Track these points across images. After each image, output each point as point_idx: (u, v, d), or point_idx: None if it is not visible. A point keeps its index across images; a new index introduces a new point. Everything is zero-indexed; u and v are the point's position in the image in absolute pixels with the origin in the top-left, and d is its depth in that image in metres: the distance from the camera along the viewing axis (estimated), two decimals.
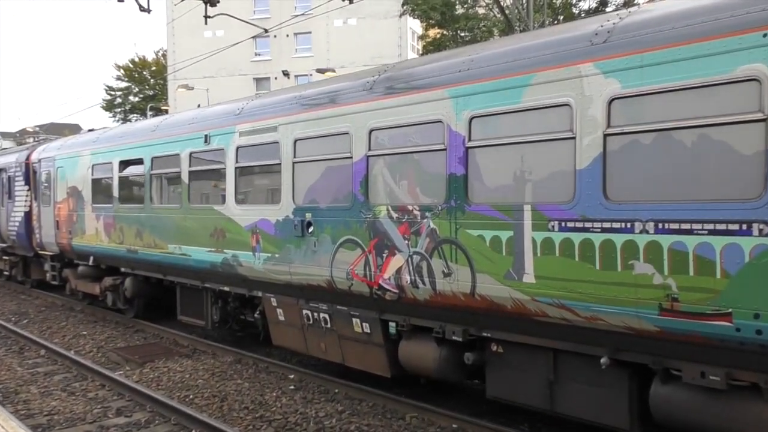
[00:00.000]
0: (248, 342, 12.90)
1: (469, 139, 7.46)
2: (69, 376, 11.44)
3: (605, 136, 6.27)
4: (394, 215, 8.32)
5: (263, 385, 10.44)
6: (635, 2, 23.75)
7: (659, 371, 6.31)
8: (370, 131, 8.65)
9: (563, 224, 6.59)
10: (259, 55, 53.09)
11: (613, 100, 6.22)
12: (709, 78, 5.58)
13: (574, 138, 6.50)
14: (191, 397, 9.94)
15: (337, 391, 10.02)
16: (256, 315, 11.54)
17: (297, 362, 11.63)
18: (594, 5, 32.93)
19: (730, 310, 5.48)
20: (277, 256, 10.09)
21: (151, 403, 9.56)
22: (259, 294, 11.00)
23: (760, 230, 5.30)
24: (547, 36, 7.26)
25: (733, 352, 5.65)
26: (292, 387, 10.34)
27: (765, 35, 5.26)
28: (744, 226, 5.38)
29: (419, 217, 7.99)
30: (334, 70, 34.58)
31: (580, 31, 6.77)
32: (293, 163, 9.86)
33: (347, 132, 8.97)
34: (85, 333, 15.02)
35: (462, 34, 34.77)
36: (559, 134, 6.65)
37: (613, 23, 6.48)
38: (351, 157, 8.91)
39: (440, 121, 7.75)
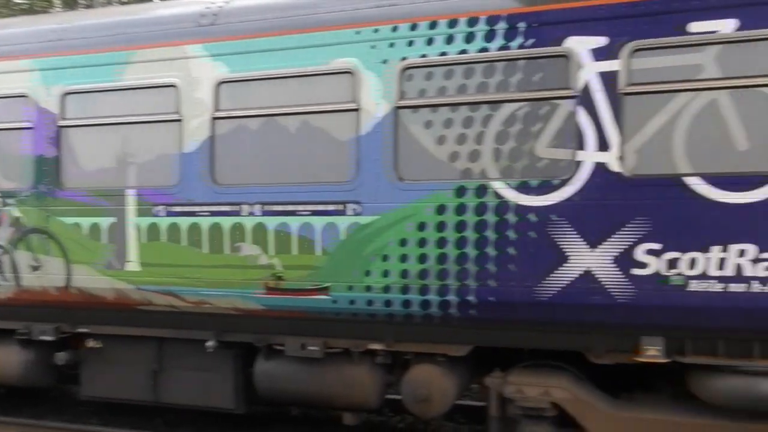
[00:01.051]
0: None
1: (63, 118, 6.85)
2: None
3: (213, 119, 6.31)
4: None
5: None
6: None
7: (263, 348, 6.58)
8: None
9: (169, 209, 6.46)
10: None
11: (220, 83, 6.29)
12: (311, 68, 6.01)
13: (180, 120, 6.41)
14: None
15: None
16: None
17: None
18: None
19: (328, 284, 5.99)
20: None
21: None
22: None
23: (354, 210, 5.89)
24: (153, 11, 7.00)
25: (330, 323, 6.18)
26: None
27: (358, 32, 5.86)
28: (341, 207, 5.92)
29: None
30: None
31: (187, 11, 6.69)
32: None
33: None
34: None
35: (18, 1, 31.41)
36: (165, 116, 6.50)
37: (219, 6, 6.55)
38: None
39: (26, 96, 6.96)
